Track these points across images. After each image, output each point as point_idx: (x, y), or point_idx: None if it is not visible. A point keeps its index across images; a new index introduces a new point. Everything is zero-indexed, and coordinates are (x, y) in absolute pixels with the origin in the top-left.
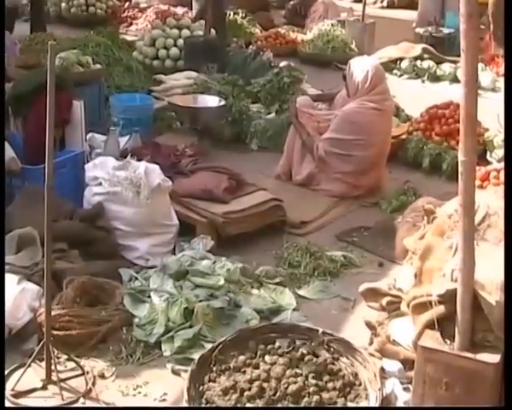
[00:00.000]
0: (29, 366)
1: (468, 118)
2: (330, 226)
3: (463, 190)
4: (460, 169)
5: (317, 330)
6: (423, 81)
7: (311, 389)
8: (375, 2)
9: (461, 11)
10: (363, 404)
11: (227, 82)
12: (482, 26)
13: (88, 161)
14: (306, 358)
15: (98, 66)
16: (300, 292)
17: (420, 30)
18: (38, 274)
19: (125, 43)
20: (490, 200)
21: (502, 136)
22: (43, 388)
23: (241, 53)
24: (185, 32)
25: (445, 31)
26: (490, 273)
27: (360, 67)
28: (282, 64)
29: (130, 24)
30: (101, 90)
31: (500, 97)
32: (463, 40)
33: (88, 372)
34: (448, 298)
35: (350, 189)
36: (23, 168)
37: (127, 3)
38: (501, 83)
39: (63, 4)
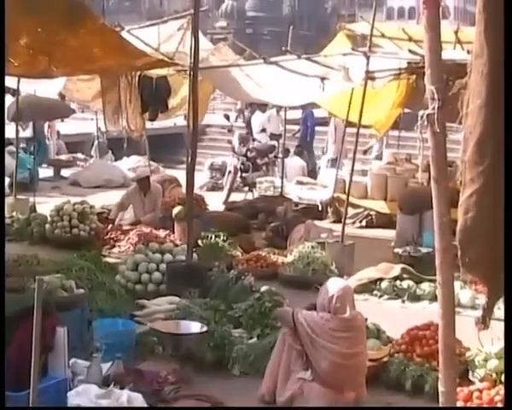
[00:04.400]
0: None
1: (447, 349)
2: None
3: None
4: (440, 399)
5: None
6: (403, 301)
7: None
8: (353, 223)
9: (436, 247)
10: None
11: (209, 307)
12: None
13: (70, 388)
14: None
15: (81, 290)
16: None
17: (398, 250)
18: None
19: (108, 266)
20: None
21: (483, 355)
22: None
23: (223, 277)
24: (168, 257)
25: (423, 250)
26: None
27: (330, 290)
28: (263, 289)
29: (113, 246)
30: (83, 315)
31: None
32: (439, 274)
33: None
34: None
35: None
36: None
37: (110, 225)
38: (481, 300)
39: (47, 225)
